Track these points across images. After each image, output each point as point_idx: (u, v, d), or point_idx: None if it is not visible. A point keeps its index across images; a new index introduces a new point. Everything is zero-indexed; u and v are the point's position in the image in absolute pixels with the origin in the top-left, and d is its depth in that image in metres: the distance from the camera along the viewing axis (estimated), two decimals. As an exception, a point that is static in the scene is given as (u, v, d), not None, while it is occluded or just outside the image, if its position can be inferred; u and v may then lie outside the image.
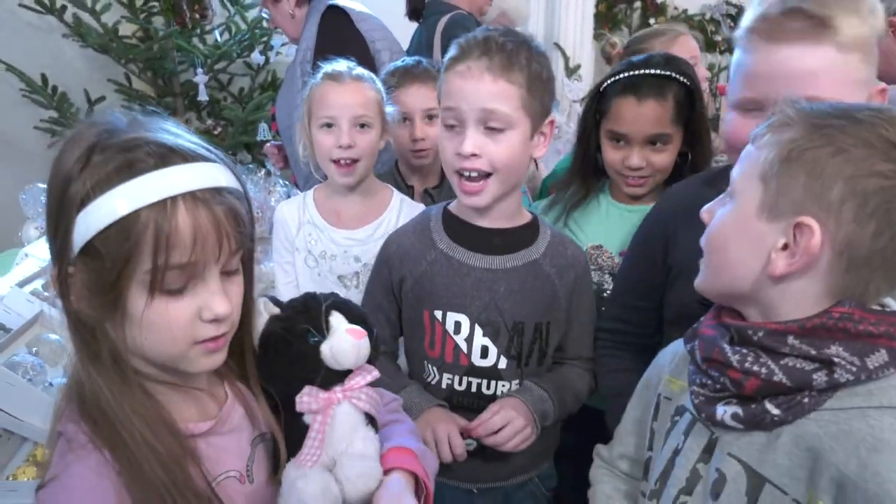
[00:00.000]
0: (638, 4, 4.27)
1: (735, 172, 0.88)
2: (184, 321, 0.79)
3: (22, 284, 1.62)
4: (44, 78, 3.51)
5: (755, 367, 0.82)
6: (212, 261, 0.79)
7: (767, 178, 0.82)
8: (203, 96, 3.56)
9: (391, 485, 0.90)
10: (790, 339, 0.81)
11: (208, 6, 3.61)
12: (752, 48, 1.07)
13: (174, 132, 0.81)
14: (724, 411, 0.85)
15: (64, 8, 3.43)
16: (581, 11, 4.18)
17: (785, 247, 0.81)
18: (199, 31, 3.69)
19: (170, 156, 0.77)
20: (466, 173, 1.23)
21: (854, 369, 0.78)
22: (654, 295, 1.30)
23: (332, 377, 0.92)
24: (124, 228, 0.74)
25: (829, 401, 0.80)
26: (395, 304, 1.39)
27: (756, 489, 0.83)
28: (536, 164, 2.57)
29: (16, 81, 3.50)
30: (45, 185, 2.56)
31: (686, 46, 2.03)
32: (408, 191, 1.90)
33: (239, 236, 0.81)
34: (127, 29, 3.65)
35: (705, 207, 0.93)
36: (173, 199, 0.75)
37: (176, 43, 3.54)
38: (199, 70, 3.53)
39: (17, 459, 1.33)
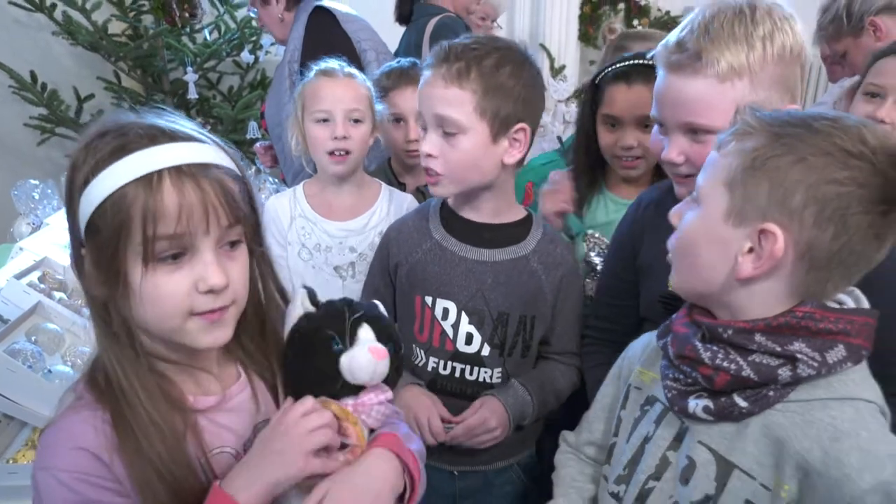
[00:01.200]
0: (622, 6, 4.32)
1: (701, 179, 0.92)
2: (179, 293, 0.83)
3: (19, 277, 1.66)
4: (33, 75, 3.52)
5: (725, 364, 0.87)
6: (200, 233, 0.83)
7: (733, 185, 0.86)
8: (193, 94, 3.58)
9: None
10: (757, 337, 0.86)
11: (198, 5, 3.63)
12: (658, 72, 1.15)
13: (173, 119, 0.87)
14: (695, 404, 0.91)
15: (54, 6, 3.45)
16: (566, 13, 4.24)
17: (750, 250, 0.86)
18: (188, 29, 3.71)
19: (159, 136, 0.83)
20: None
21: (815, 364, 0.83)
22: (630, 293, 1.36)
23: (348, 389, 0.94)
24: (116, 202, 0.80)
25: (792, 393, 0.85)
26: (392, 288, 1.46)
27: (725, 475, 0.89)
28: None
29: (5, 78, 3.51)
30: (36, 182, 2.59)
31: None
32: (400, 188, 1.95)
33: (230, 210, 0.85)
34: (116, 27, 3.67)
35: (673, 210, 0.97)
36: (159, 173, 0.80)
37: (166, 41, 3.57)
38: (189, 68, 3.56)
39: (17, 443, 1.38)
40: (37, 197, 2.41)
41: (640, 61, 1.57)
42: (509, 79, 1.26)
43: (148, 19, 3.71)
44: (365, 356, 0.92)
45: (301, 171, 2.39)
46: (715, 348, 0.89)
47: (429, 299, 1.38)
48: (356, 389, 0.94)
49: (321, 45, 2.17)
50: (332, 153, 1.65)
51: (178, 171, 0.81)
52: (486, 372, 1.38)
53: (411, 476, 0.96)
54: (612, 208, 1.66)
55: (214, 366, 0.96)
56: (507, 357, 1.39)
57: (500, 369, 1.39)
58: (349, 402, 0.93)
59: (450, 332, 1.37)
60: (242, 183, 0.89)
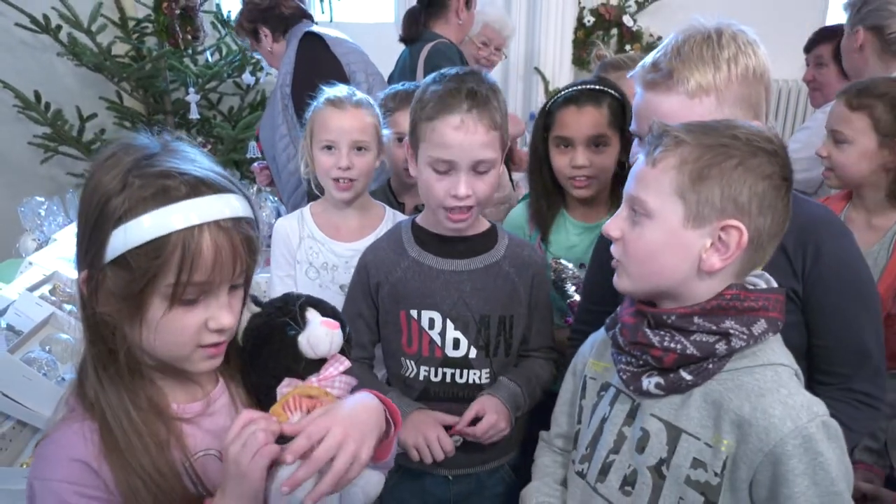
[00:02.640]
0: (614, 31, 4.43)
1: (643, 194, 1.01)
2: (193, 329, 0.90)
3: (31, 290, 1.72)
4: (37, 95, 3.59)
5: (672, 345, 1.01)
6: (226, 280, 0.91)
7: (685, 194, 0.98)
8: (195, 115, 3.65)
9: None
10: (696, 319, 1.00)
11: (200, 27, 3.70)
12: (637, 90, 1.24)
13: (203, 164, 0.92)
14: (648, 382, 1.04)
15: (59, 27, 3.52)
16: (560, 38, 4.35)
17: (711, 245, 0.99)
18: (190, 51, 3.79)
19: (200, 187, 0.88)
20: (457, 210, 1.37)
21: (745, 337, 0.99)
22: (609, 300, 1.42)
23: (310, 368, 1.02)
24: (156, 247, 0.85)
25: (727, 364, 1.00)
26: (374, 309, 1.52)
27: (675, 439, 1.03)
28: (513, 185, 2.70)
29: (10, 98, 3.58)
30: (42, 199, 2.65)
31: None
32: (399, 207, 2.01)
33: (251, 260, 0.93)
34: (120, 48, 3.75)
35: (611, 226, 1.06)
36: (200, 226, 0.86)
37: (168, 63, 3.64)
38: (192, 89, 3.63)
39: (30, 448, 1.43)
40: (43, 213, 2.47)
41: (588, 86, 1.69)
42: (503, 103, 1.39)
43: (151, 41, 3.79)
44: (321, 329, 1.01)
45: (295, 190, 2.48)
46: (662, 332, 1.02)
47: (414, 312, 1.45)
48: (318, 366, 1.02)
49: (311, 70, 2.27)
50: (336, 180, 1.72)
51: (217, 226, 0.88)
52: (474, 373, 1.47)
53: (392, 421, 1.03)
54: (573, 232, 1.75)
55: (202, 374, 1.02)
56: (493, 357, 1.47)
57: (487, 370, 1.47)
58: (313, 379, 1.01)
59: (438, 339, 1.45)
60: (256, 228, 0.95)
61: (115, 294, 0.88)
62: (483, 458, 1.51)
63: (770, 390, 0.97)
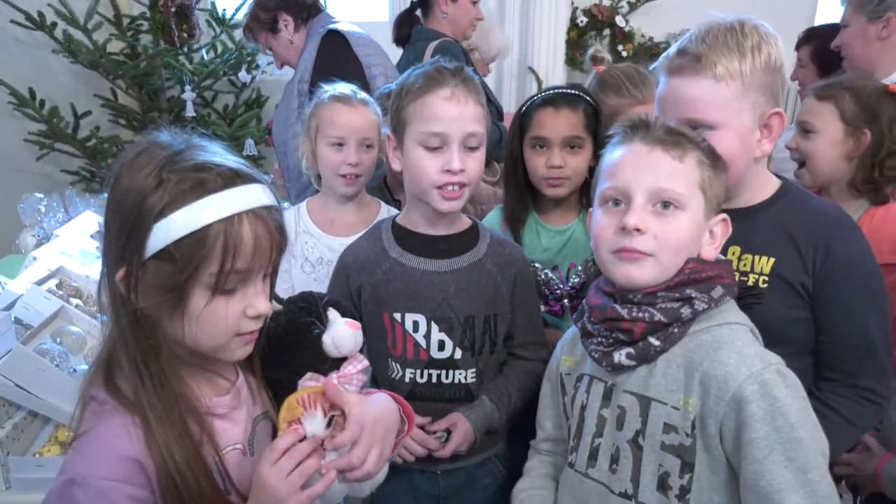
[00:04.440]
0: (607, 32, 4.47)
1: (679, 187, 1.08)
2: (233, 317, 0.93)
3: (38, 284, 1.73)
4: (32, 92, 3.59)
5: (640, 314, 1.08)
6: (263, 267, 0.94)
7: (704, 188, 1.10)
8: (191, 112, 3.64)
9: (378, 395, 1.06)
10: (660, 294, 1.09)
11: (196, 25, 3.69)
12: (661, 80, 1.28)
13: (229, 156, 0.95)
14: (619, 355, 1.11)
15: (55, 24, 3.52)
16: (553, 38, 4.38)
17: (709, 235, 1.12)
18: (186, 49, 3.78)
19: (234, 178, 0.91)
20: (450, 188, 1.36)
21: (706, 300, 1.08)
22: None
23: (332, 365, 1.05)
24: (199, 238, 0.87)
25: (689, 329, 1.09)
26: (356, 312, 1.49)
27: (645, 408, 1.10)
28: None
29: (4, 95, 3.58)
30: (41, 195, 2.64)
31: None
32: (395, 204, 2.04)
33: (282, 246, 0.96)
34: (115, 46, 3.74)
35: (637, 219, 1.07)
36: (239, 214, 0.89)
37: (164, 60, 3.63)
38: (188, 87, 3.62)
39: (41, 439, 1.45)
40: (43, 210, 2.48)
41: (565, 90, 1.74)
42: (483, 97, 1.42)
43: (146, 39, 3.77)
44: (345, 330, 1.05)
45: (306, 188, 2.48)
46: (630, 306, 1.10)
47: (397, 315, 1.44)
48: (338, 364, 1.06)
49: (332, 69, 2.24)
50: (344, 176, 1.74)
51: (254, 214, 0.91)
52: (460, 373, 1.47)
53: (406, 417, 1.10)
54: (544, 235, 1.77)
55: (225, 367, 1.05)
56: (479, 356, 1.48)
57: (473, 369, 1.47)
58: (334, 376, 1.04)
59: (422, 342, 1.44)
60: (282, 216, 0.98)
61: (156, 287, 0.89)
62: (470, 451, 1.50)
63: (726, 343, 1.05)
